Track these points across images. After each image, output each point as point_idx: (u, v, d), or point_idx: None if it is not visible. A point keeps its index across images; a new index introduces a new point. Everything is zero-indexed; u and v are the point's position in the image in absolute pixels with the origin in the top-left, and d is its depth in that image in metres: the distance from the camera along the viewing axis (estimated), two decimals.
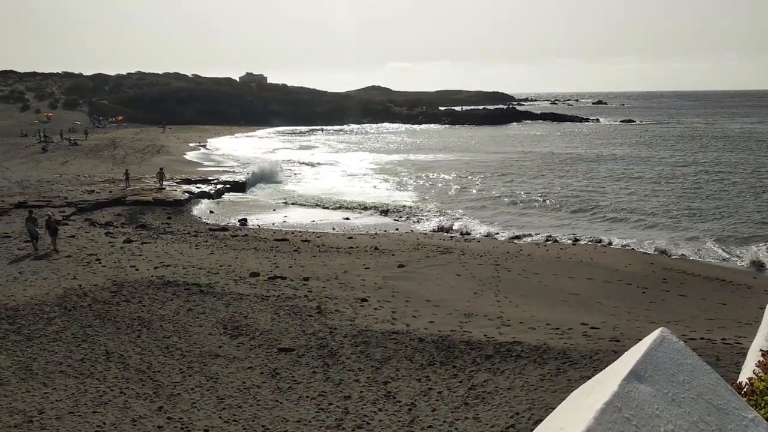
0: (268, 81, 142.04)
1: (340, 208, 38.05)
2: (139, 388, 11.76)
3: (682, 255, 25.80)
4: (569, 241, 28.27)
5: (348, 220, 33.95)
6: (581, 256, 25.07)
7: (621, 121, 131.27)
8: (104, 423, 10.33)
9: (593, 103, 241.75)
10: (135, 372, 12.47)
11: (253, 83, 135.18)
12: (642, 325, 15.65)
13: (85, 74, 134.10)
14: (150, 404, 11.09)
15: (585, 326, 15.42)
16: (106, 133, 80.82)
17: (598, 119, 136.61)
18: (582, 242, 28.18)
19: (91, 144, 65.56)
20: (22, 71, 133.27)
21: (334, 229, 31.19)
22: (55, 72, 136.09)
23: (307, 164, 59.13)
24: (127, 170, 42.33)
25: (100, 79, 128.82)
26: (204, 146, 74.67)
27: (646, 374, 1.88)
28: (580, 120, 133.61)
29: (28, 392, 11.49)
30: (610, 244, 27.76)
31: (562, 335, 14.54)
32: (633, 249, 26.82)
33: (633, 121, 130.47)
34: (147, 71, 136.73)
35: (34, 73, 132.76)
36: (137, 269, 20.47)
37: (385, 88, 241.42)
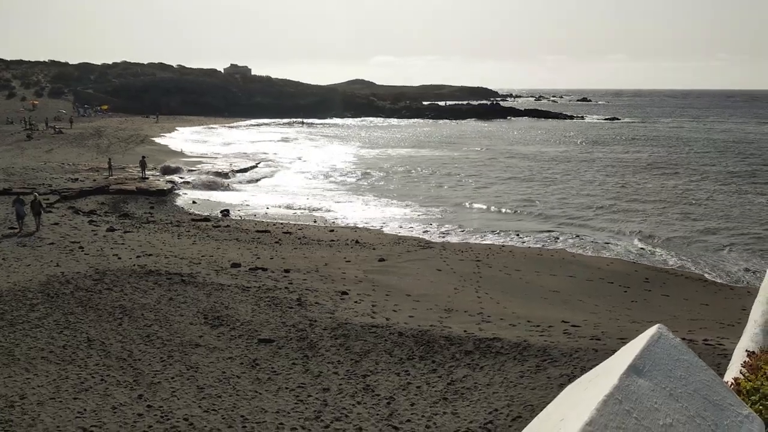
0: (253, 73, 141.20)
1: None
2: (120, 375, 11.82)
3: (665, 255, 25.95)
4: (551, 239, 28.47)
5: (329, 212, 34.00)
6: (563, 254, 25.34)
7: (606, 119, 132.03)
8: (85, 409, 10.40)
9: (578, 100, 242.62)
10: (116, 360, 12.53)
11: (238, 75, 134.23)
12: (623, 324, 15.83)
13: (70, 63, 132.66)
14: (130, 392, 11.16)
15: (566, 324, 15.58)
16: (90, 122, 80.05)
17: (583, 117, 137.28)
18: (564, 240, 28.38)
19: (76, 132, 64.99)
20: (8, 59, 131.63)
21: (315, 221, 31.23)
22: (41, 60, 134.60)
23: (279, 162, 55.86)
24: (110, 159, 42.05)
25: (85, 68, 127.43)
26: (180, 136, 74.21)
27: (645, 369, 1.92)
28: (565, 117, 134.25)
29: (10, 377, 11.53)
30: (592, 242, 28.02)
31: (542, 332, 14.69)
32: (615, 248, 27.01)
33: (618, 119, 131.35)
34: (132, 61, 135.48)
35: (21, 61, 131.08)
36: (120, 258, 20.45)
37: (369, 81, 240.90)
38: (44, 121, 71.88)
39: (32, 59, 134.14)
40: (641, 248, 26.90)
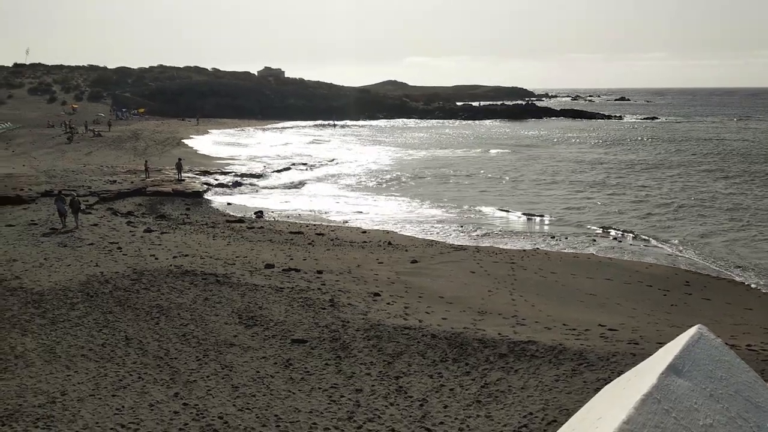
0: (286, 75, 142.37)
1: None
2: (157, 373, 12.01)
3: (707, 258, 25.20)
4: (588, 241, 28.08)
5: (362, 213, 34.05)
6: (600, 257, 24.98)
7: (645, 118, 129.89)
8: (123, 406, 10.58)
9: (616, 100, 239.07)
10: (153, 358, 12.73)
11: (271, 77, 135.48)
12: (662, 328, 15.48)
13: (109, 67, 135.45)
14: (167, 390, 11.32)
15: (603, 327, 15.33)
16: (128, 125, 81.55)
17: (621, 116, 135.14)
18: (601, 242, 27.98)
19: (114, 135, 66.32)
20: (50, 64, 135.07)
21: (347, 223, 31.32)
22: (81, 65, 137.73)
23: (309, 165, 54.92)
24: (147, 161, 42.77)
25: (123, 72, 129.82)
26: (220, 139, 75.11)
27: (684, 369, 1.90)
28: (602, 117, 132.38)
29: (51, 374, 11.81)
30: (631, 244, 27.57)
31: (578, 336, 14.49)
32: (654, 250, 26.51)
33: (657, 118, 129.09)
34: (168, 65, 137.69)
35: (61, 66, 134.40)
36: (157, 258, 20.78)
37: (402, 82, 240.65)
38: (84, 124, 73.39)
39: (72, 64, 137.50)
40: (681, 251, 26.33)
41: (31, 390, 11.10)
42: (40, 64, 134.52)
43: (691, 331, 2.07)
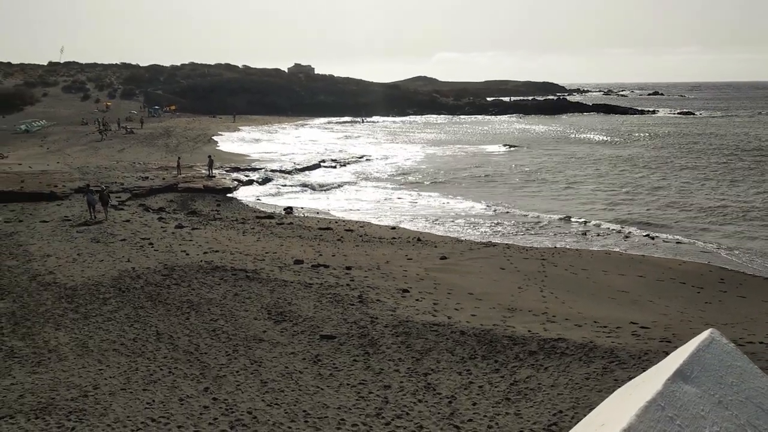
0: (316, 72, 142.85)
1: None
2: (187, 368, 12.11)
3: (743, 256, 24.59)
4: (621, 238, 27.68)
5: (391, 210, 34.00)
6: (632, 253, 24.59)
7: (679, 113, 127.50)
8: (153, 401, 10.69)
9: (649, 95, 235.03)
10: (183, 353, 12.85)
11: (301, 74, 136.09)
12: (696, 326, 15.15)
13: (141, 65, 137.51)
14: (197, 384, 11.41)
15: (634, 325, 15.10)
16: (160, 122, 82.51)
17: (655, 111, 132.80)
18: (633, 239, 27.57)
19: (146, 132, 67.18)
20: (83, 62, 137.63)
21: (377, 219, 31.30)
22: (114, 63, 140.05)
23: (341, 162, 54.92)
24: (179, 158, 43.25)
25: (155, 70, 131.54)
26: (247, 136, 75.66)
27: (693, 375, 1.85)
28: (635, 112, 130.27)
29: (84, 368, 12.00)
30: (664, 241, 27.09)
31: (609, 334, 14.29)
32: (688, 247, 26.02)
33: (692, 114, 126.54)
34: (199, 62, 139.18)
35: (95, 64, 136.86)
36: (187, 254, 20.99)
37: (432, 78, 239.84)
38: (116, 121, 74.39)
39: (105, 62, 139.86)
40: (716, 248, 25.77)
41: (64, 384, 11.29)
42: (74, 62, 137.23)
43: (703, 336, 2.02)
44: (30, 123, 70.39)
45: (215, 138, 67.75)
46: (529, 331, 14.19)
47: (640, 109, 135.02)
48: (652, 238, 27.54)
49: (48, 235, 23.32)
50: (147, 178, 38.61)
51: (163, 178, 38.65)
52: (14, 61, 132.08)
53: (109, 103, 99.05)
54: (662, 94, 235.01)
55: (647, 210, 34.15)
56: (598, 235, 28.20)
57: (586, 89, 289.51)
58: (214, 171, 41.61)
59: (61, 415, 10.13)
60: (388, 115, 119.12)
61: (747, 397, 1.87)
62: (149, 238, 23.19)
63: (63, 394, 10.88)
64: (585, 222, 31.05)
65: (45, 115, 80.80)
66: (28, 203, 29.41)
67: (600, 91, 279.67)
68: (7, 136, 59.91)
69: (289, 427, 9.97)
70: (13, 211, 27.60)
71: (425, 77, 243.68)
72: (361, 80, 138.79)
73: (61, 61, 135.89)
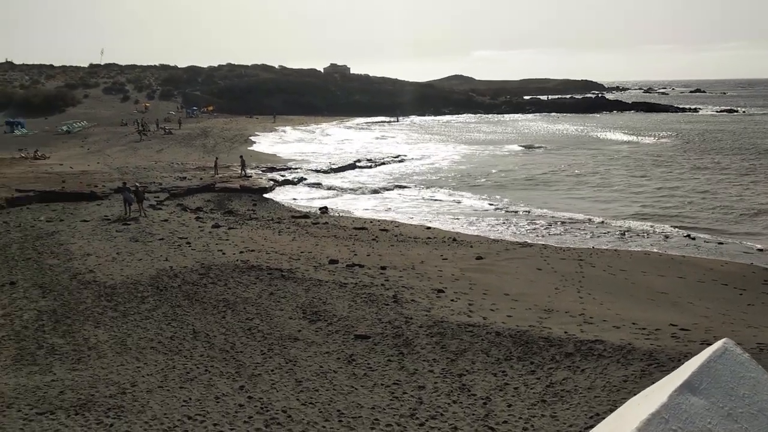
0: (351, 71, 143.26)
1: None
2: (223, 366, 12.23)
3: None
4: (661, 238, 27.14)
5: (427, 209, 33.91)
6: (672, 254, 24.09)
7: (722, 111, 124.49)
8: (190, 398, 10.82)
9: (690, 92, 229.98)
10: (219, 351, 12.98)
11: (337, 74, 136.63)
12: (738, 329, 14.76)
13: (179, 66, 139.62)
14: (232, 383, 11.51)
15: (674, 327, 14.76)
16: (197, 122, 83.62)
17: (696, 109, 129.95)
18: (673, 239, 27.01)
19: (184, 133, 68.14)
20: (123, 64, 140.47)
21: (411, 219, 31.24)
22: (152, 64, 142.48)
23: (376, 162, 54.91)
24: (216, 158, 43.74)
25: (193, 71, 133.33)
26: (284, 136, 76.23)
27: (701, 386, 1.80)
28: (676, 110, 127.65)
29: (122, 365, 12.21)
30: (705, 241, 26.46)
31: (648, 336, 14.00)
32: (730, 248, 25.36)
33: (735, 111, 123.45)
34: (236, 63, 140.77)
35: (134, 66, 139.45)
36: (224, 253, 21.21)
37: (468, 77, 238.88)
38: (155, 122, 75.61)
39: (144, 64, 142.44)
40: (760, 249, 25.10)
41: (102, 381, 11.50)
42: (114, 64, 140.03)
43: (715, 346, 1.97)
44: (71, 124, 72.03)
45: (252, 138, 68.40)
46: (565, 332, 13.99)
47: (681, 107, 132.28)
48: (693, 239, 26.93)
49: (88, 235, 23.80)
50: (185, 178, 39.14)
51: (201, 178, 39.15)
52: (56, 64, 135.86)
53: (147, 104, 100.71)
54: (704, 92, 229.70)
55: (688, 210, 33.47)
56: (637, 235, 27.70)
57: (625, 87, 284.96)
58: (248, 170, 42.01)
59: (100, 411, 10.31)
60: (423, 115, 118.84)
61: (759, 409, 1.81)
62: (187, 238, 23.51)
63: (102, 390, 11.08)
64: (623, 222, 30.55)
65: (86, 116, 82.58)
66: (69, 203, 30.03)
67: (640, 88, 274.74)
68: (49, 137, 61.42)
69: (324, 427, 10.00)
70: (54, 210, 28.24)
71: (461, 76, 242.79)
72: (396, 80, 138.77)
73: (102, 63, 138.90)
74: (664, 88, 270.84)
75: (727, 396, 1.81)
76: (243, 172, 41.38)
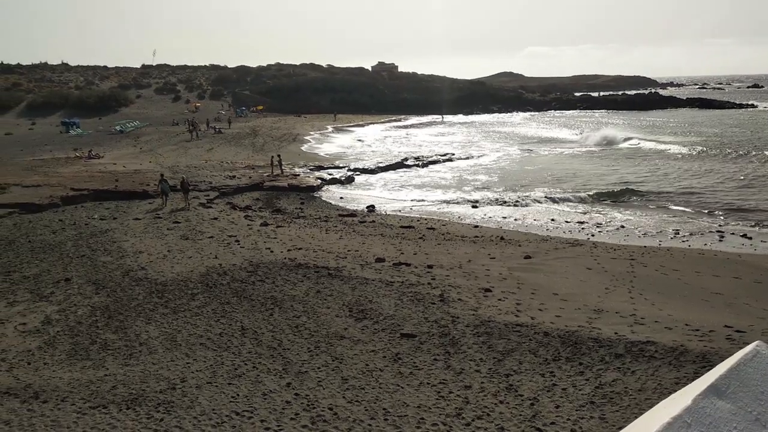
0: (399, 70, 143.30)
1: None
2: (270, 363, 12.36)
3: None
4: (716, 238, 26.31)
5: (475, 209, 33.67)
6: (727, 254, 23.34)
7: None
8: (238, 395, 10.97)
9: (747, 87, 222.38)
10: (267, 348, 13.12)
11: (384, 72, 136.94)
12: None
13: (229, 66, 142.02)
14: (279, 380, 11.63)
15: (729, 329, 14.29)
16: (247, 122, 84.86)
17: (754, 105, 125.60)
18: (729, 238, 26.15)
19: (234, 132, 69.21)
20: (174, 64, 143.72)
21: (459, 218, 31.05)
22: (203, 65, 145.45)
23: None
24: (272, 157, 43.71)
25: (242, 71, 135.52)
26: (332, 134, 76.68)
27: (729, 390, 1.74)
28: (732, 106, 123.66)
29: (172, 361, 12.45)
30: (762, 241, 25.55)
31: (702, 337, 13.59)
32: None
33: None
34: (285, 63, 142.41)
35: (185, 66, 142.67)
36: (272, 251, 21.45)
37: (518, 74, 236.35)
38: (205, 122, 77.02)
39: (195, 64, 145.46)
40: None
41: (153, 376, 11.75)
42: (165, 64, 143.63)
43: (747, 349, 1.90)
44: (124, 124, 74.06)
45: (300, 137, 69.08)
46: (615, 333, 13.69)
47: (738, 102, 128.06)
48: (750, 238, 26.03)
49: (140, 232, 24.39)
50: (234, 176, 39.76)
51: (250, 177, 39.70)
52: (110, 65, 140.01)
53: (198, 104, 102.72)
54: (762, 87, 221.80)
55: (745, 209, 32.35)
56: (691, 234, 26.91)
57: (680, 83, 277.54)
58: (297, 169, 42.30)
59: (151, 406, 10.54)
60: (472, 113, 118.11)
61: None
62: (235, 236, 23.86)
63: (152, 386, 11.33)
64: (677, 220, 29.74)
65: (138, 116, 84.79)
66: (122, 201, 30.87)
67: (695, 84, 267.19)
68: (103, 137, 63.25)
69: (369, 425, 10.01)
70: (108, 209, 29.05)
71: (511, 73, 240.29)
72: (444, 77, 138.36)
73: (154, 64, 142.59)
74: (720, 84, 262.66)
75: (756, 400, 1.74)
76: (280, 169, 41.62)
